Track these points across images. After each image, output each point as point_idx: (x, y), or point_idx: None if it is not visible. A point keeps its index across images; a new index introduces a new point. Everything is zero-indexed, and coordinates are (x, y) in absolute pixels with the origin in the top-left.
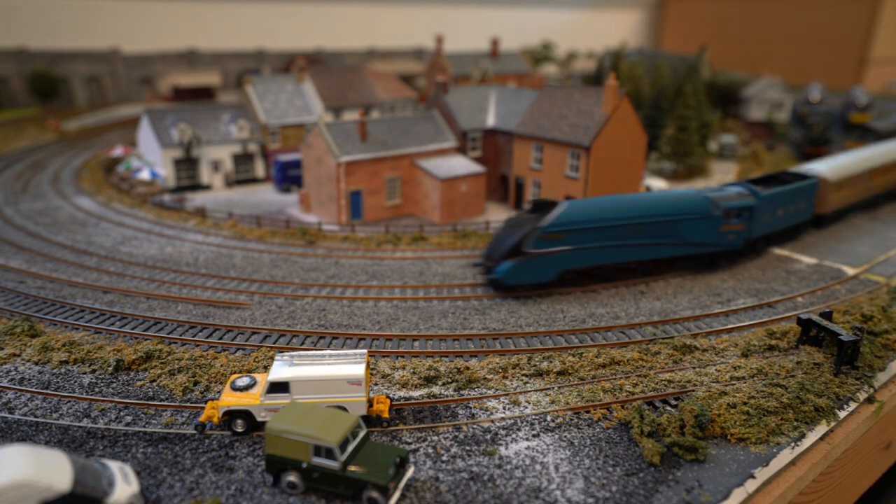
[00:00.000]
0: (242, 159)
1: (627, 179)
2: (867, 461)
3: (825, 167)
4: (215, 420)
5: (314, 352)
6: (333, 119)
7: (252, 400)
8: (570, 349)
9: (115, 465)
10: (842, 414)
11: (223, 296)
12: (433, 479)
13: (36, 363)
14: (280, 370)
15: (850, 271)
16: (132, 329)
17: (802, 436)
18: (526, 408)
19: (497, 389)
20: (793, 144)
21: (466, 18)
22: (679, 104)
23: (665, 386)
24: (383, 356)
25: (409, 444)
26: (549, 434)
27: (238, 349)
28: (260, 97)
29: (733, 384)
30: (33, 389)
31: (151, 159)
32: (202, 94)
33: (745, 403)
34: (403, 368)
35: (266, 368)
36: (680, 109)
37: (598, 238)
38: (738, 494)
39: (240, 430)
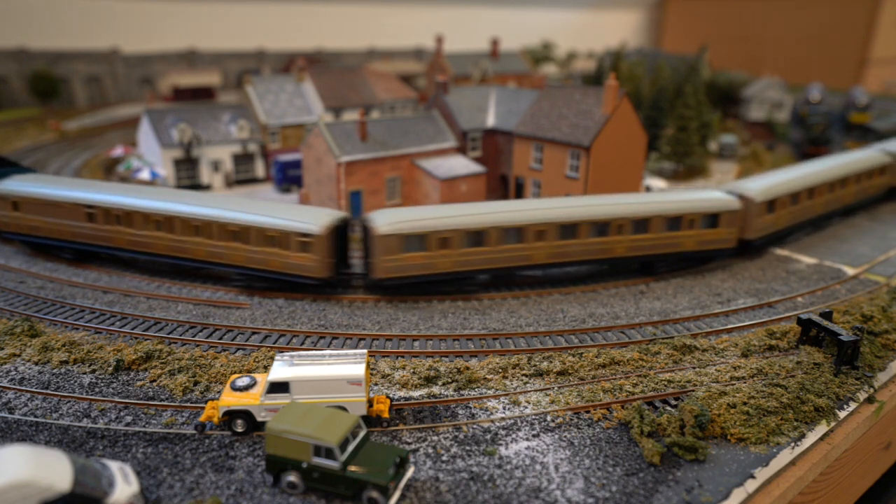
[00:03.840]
0: (242, 159)
1: (627, 179)
2: (867, 461)
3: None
4: (215, 420)
5: (314, 352)
6: (333, 119)
7: (252, 400)
8: (570, 349)
9: (115, 465)
10: (842, 414)
11: (223, 296)
12: (433, 479)
13: (36, 363)
14: (280, 370)
15: (850, 271)
16: (132, 329)
17: (802, 436)
18: (526, 408)
19: (497, 389)
20: (793, 144)
21: (466, 18)
22: (679, 104)
23: (665, 386)
24: (383, 356)
25: (409, 444)
26: (549, 434)
27: (238, 349)
28: (260, 97)
29: (733, 384)
30: (33, 389)
31: (151, 159)
32: (202, 94)
33: (745, 403)
34: (403, 368)
35: (266, 368)
36: (680, 109)
37: None
38: (738, 494)
39: (240, 430)
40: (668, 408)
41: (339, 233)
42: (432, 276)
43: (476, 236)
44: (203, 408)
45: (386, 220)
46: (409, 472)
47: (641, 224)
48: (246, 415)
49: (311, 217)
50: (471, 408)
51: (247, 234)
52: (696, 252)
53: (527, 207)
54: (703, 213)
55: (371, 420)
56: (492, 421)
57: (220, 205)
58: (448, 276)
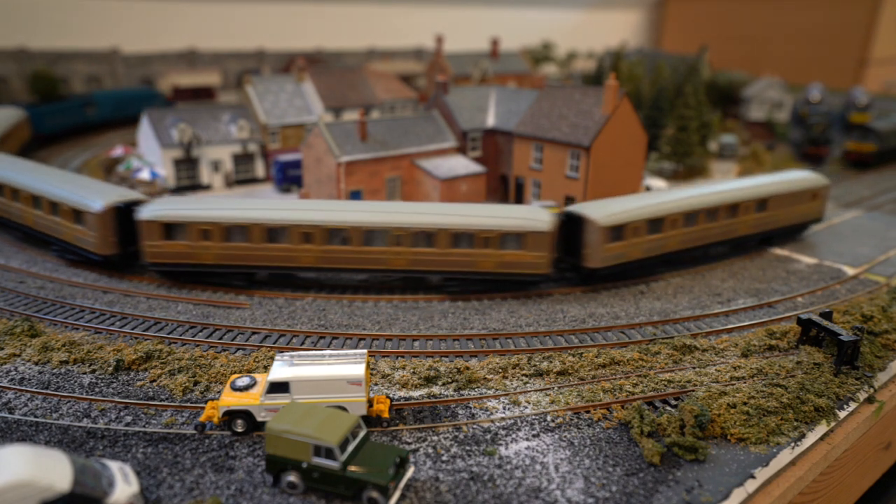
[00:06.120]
0: (242, 159)
1: (627, 179)
2: (867, 461)
3: None
4: (215, 420)
5: (314, 352)
6: (333, 119)
7: (252, 400)
8: (570, 349)
9: (115, 465)
10: (842, 414)
11: (223, 296)
12: (433, 479)
13: (36, 363)
14: (280, 370)
15: (850, 271)
16: (132, 329)
17: (802, 436)
18: (526, 408)
19: (497, 389)
20: (793, 144)
21: (466, 18)
22: (679, 104)
23: (665, 386)
24: (383, 356)
25: (409, 444)
26: (549, 434)
27: (238, 349)
28: (260, 97)
29: (733, 384)
30: (33, 389)
31: (151, 159)
32: (202, 94)
33: (745, 403)
34: (403, 368)
35: (266, 368)
36: (680, 109)
37: None
38: (738, 494)
39: (240, 430)
40: (668, 408)
41: None
42: None
43: None
44: (203, 408)
45: None
46: (409, 472)
47: None
48: (246, 415)
49: None
50: (471, 408)
51: None
52: None
53: None
54: None
55: (371, 420)
56: (492, 421)
57: None
58: None
